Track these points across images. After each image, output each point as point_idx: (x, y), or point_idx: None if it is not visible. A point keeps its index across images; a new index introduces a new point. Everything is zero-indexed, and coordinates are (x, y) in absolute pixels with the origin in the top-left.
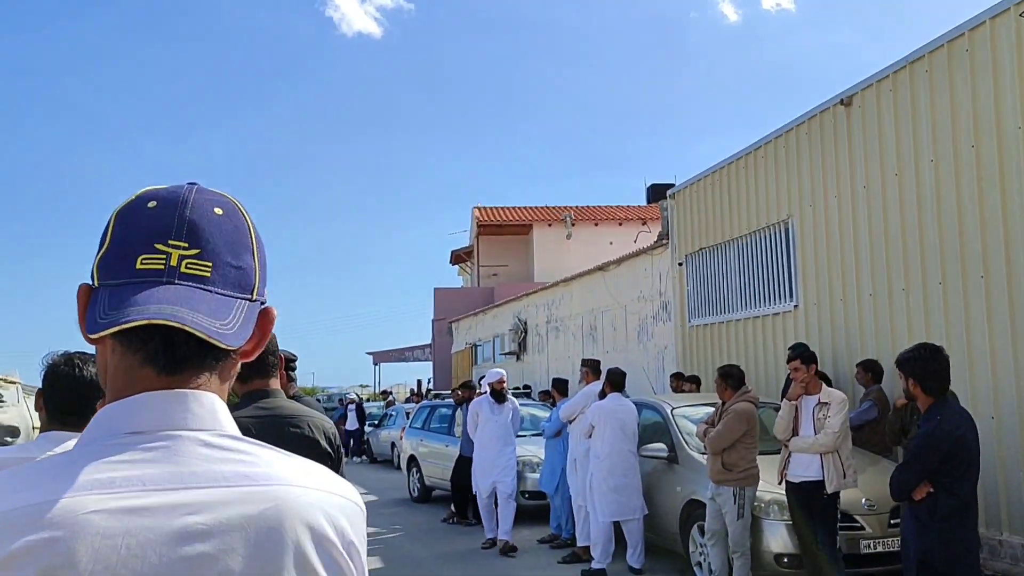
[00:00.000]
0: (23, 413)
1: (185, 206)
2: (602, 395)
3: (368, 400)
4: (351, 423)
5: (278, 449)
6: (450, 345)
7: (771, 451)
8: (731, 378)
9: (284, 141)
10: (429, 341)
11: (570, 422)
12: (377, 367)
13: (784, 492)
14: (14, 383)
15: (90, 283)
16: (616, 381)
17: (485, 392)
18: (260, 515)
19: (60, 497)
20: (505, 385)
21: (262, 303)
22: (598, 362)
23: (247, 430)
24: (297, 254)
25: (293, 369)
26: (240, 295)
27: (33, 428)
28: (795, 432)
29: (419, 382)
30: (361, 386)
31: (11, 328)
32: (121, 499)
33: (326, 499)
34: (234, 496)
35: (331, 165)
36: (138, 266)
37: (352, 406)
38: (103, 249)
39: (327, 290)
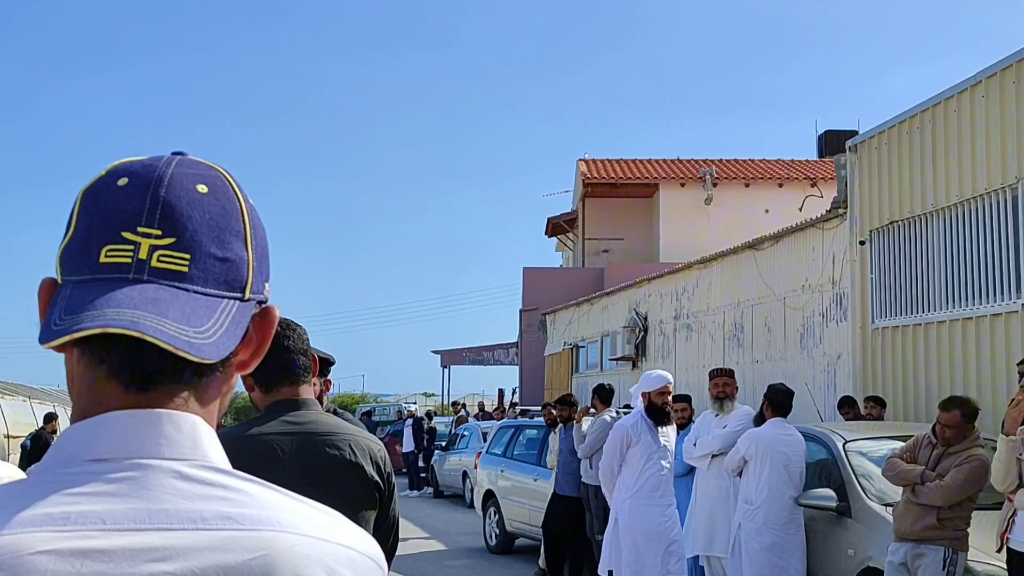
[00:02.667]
0: None
1: (160, 184)
2: (759, 420)
3: (434, 414)
4: (407, 443)
5: (275, 487)
6: (542, 345)
7: (986, 505)
8: (969, 413)
9: (318, 68)
10: (515, 339)
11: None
12: (446, 371)
13: (1005, 563)
14: None
15: (53, 276)
16: (779, 402)
17: (636, 407)
18: (243, 566)
19: (1, 533)
20: (669, 399)
21: (260, 302)
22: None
23: (271, 449)
24: (343, 223)
25: (327, 374)
26: (227, 293)
27: (8, 436)
28: (1021, 482)
29: (500, 392)
30: (425, 395)
31: None
32: (75, 539)
33: (330, 551)
34: (213, 541)
35: (384, 104)
36: (102, 259)
37: (410, 421)
38: (67, 236)
39: (381, 269)
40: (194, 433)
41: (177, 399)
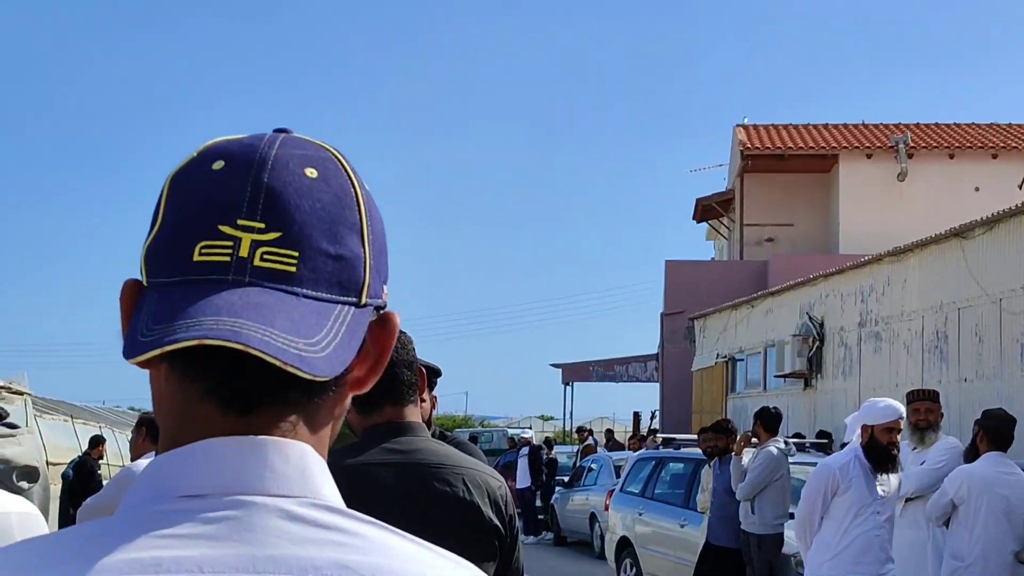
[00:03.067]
0: (38, 443)
1: (263, 167)
2: (971, 454)
3: (554, 442)
4: (522, 478)
5: (397, 531)
6: (689, 357)
7: None
8: None
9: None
10: (654, 350)
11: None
12: (568, 389)
13: None
14: (22, 394)
15: (138, 278)
16: (998, 432)
17: (851, 444)
18: None
19: None
20: (897, 438)
21: (378, 308)
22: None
23: (370, 482)
24: (441, 206)
25: (432, 387)
26: (341, 298)
27: (48, 464)
28: None
29: (636, 417)
30: (542, 418)
31: (15, 315)
32: None
33: None
34: None
35: (498, 66)
36: (196, 257)
37: (525, 450)
38: (153, 231)
39: (490, 264)
40: (303, 465)
41: (283, 424)
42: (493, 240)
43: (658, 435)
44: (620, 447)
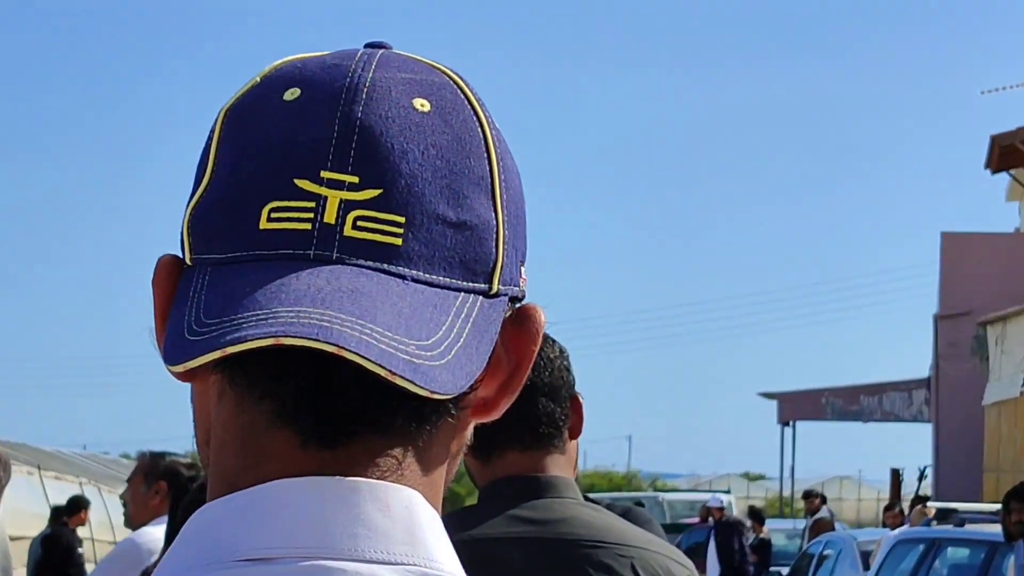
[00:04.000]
0: None
1: (355, 97)
2: None
3: (764, 514)
4: (712, 565)
5: None
6: (980, 382)
7: None
8: None
9: None
10: (924, 372)
11: None
12: (787, 431)
13: None
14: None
15: (178, 254)
16: None
17: None
18: None
19: None
20: None
21: (514, 299)
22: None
23: (494, 564)
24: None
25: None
26: (464, 283)
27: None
28: None
29: (896, 475)
30: (746, 476)
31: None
32: None
33: None
34: None
35: None
36: (263, 224)
37: (717, 525)
38: (201, 188)
39: (660, 246)
40: (410, 518)
41: (384, 461)
42: (672, 211)
43: (930, 504)
44: (874, 524)
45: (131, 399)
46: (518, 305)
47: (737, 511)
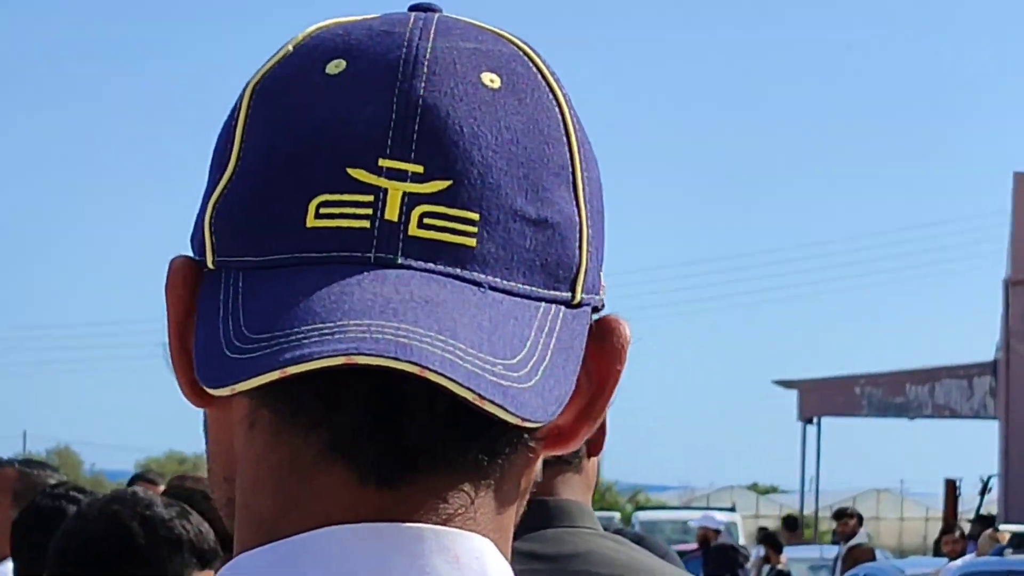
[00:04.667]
0: None
1: (416, 71)
2: None
3: (781, 539)
4: None
5: None
6: None
7: None
8: None
9: None
10: (987, 355)
11: None
12: (810, 429)
13: None
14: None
15: (196, 256)
16: None
17: None
18: None
19: None
20: None
21: (594, 307)
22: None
23: None
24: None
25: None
26: (546, 291)
27: None
28: None
29: (952, 487)
30: (754, 489)
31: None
32: None
33: None
34: None
35: None
36: (311, 222)
37: (717, 549)
38: (225, 177)
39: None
40: (483, 572)
41: (452, 502)
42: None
43: (1002, 528)
44: (927, 551)
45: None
46: (598, 315)
47: (743, 534)
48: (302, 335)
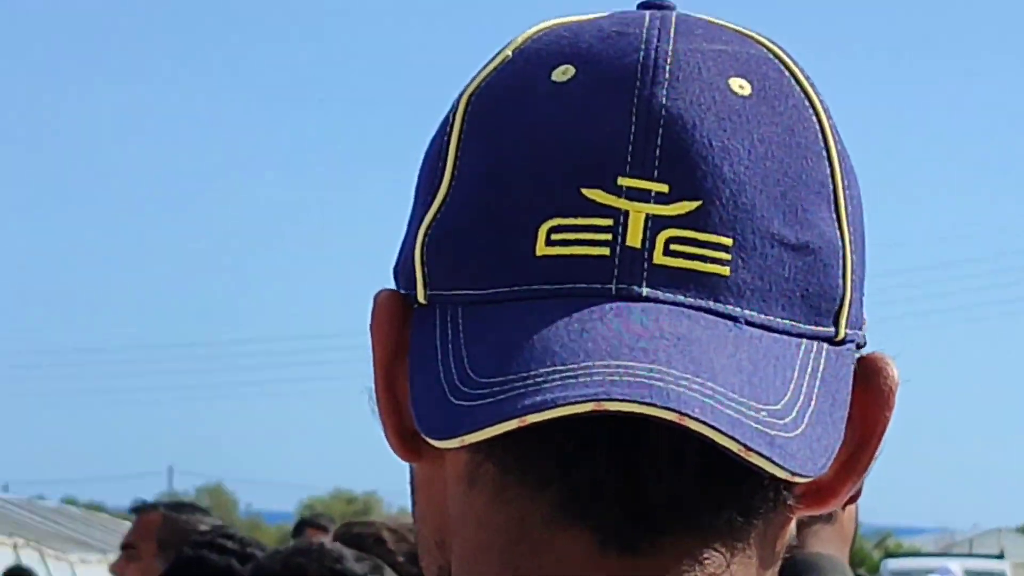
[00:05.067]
0: None
1: (655, 77)
2: None
3: None
4: None
5: None
6: None
7: None
8: None
9: None
10: None
11: None
12: None
13: None
14: None
15: (403, 290)
16: None
17: None
18: None
19: None
20: None
21: (858, 344)
22: None
23: None
24: None
25: None
26: (808, 325)
27: None
28: None
29: None
30: None
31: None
32: None
33: None
34: None
35: None
36: (541, 248)
37: None
38: (438, 199)
39: None
40: None
41: (702, 569)
42: None
43: None
44: None
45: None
46: (860, 351)
47: None
48: (541, 378)
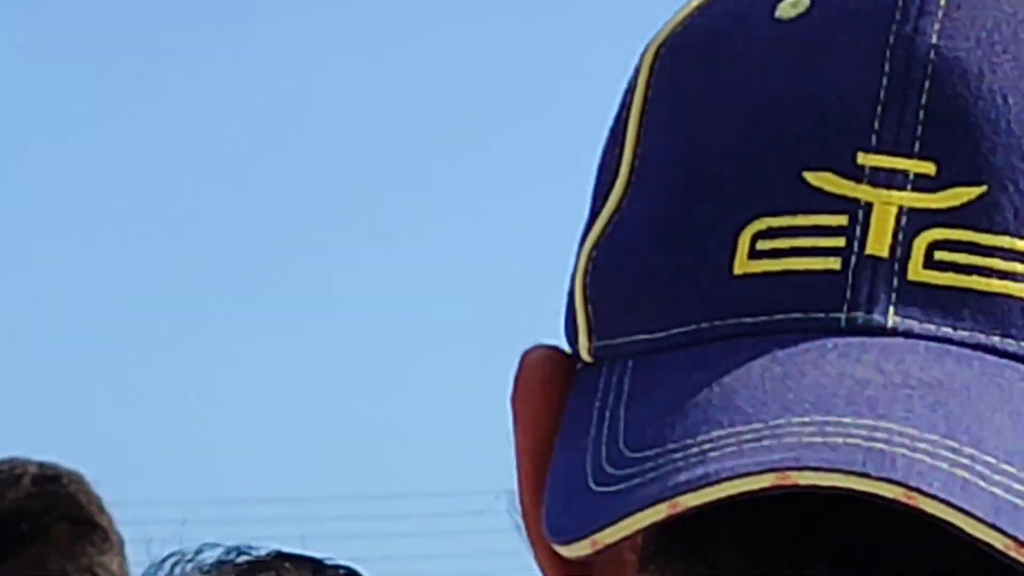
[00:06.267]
0: None
1: (922, 6)
2: None
3: None
4: None
5: None
6: None
7: None
8: None
9: None
10: None
11: None
12: None
13: None
14: None
15: (569, 344)
16: None
17: None
18: None
19: None
20: None
21: None
22: None
23: None
24: None
25: None
26: None
27: None
28: None
29: None
30: None
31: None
32: None
33: None
34: None
35: None
36: (740, 264)
37: None
38: (611, 204)
39: None
40: None
41: None
42: None
43: None
44: None
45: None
46: None
47: None
48: (710, 445)
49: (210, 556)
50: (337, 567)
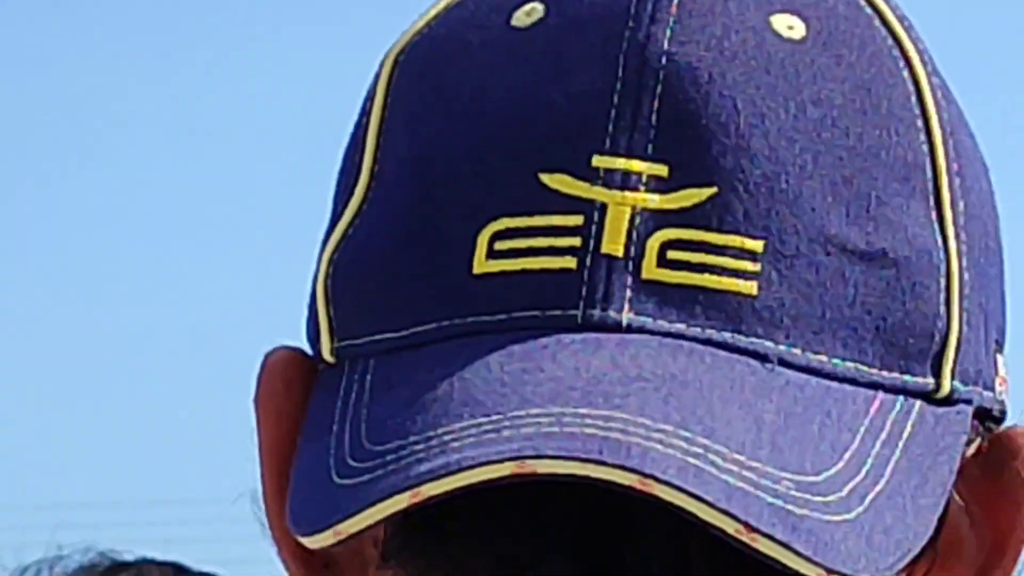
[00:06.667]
0: None
1: (655, 11)
2: None
3: None
4: None
5: None
6: None
7: None
8: None
9: None
10: None
11: None
12: None
13: None
14: None
15: (311, 345)
16: None
17: None
18: None
19: None
20: None
21: (984, 411)
22: None
23: None
24: None
25: None
26: (886, 371)
27: None
28: None
29: None
30: None
31: None
32: None
33: None
34: None
35: None
36: (479, 263)
37: None
38: (352, 207)
39: None
40: None
41: None
42: None
43: None
44: None
45: None
46: (992, 425)
47: None
48: (451, 436)
49: (73, 561)
50: (202, 574)
